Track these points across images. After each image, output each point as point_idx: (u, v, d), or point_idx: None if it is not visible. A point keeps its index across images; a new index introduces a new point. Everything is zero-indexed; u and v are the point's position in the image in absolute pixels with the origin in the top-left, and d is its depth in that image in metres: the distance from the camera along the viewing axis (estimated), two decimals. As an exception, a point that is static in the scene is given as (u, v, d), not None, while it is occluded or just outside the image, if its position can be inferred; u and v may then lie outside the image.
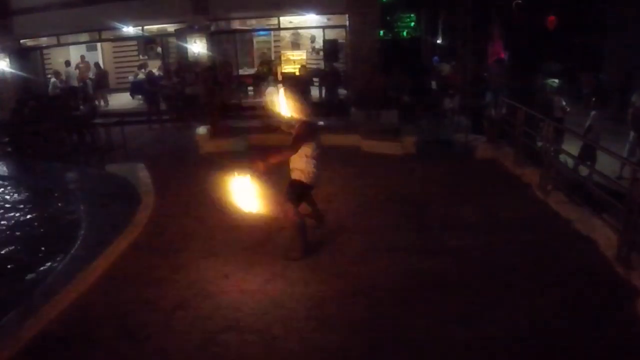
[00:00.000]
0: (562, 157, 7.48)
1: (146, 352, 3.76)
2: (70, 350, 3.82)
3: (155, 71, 17.24)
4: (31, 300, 4.39)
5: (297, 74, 15.07)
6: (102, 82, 17.36)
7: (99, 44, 18.88)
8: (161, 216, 6.35)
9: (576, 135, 8.13)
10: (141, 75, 17.11)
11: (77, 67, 17.73)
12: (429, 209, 6.32)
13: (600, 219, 5.35)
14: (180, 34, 16.00)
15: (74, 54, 19.12)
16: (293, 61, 17.96)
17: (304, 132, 4.99)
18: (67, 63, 17.16)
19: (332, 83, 14.66)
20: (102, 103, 16.93)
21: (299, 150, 4.99)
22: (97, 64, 18.28)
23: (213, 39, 16.19)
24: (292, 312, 4.15)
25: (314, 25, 16.88)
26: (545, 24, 11.39)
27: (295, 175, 5.10)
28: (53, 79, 16.53)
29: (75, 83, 16.14)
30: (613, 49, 17.41)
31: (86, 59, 18.25)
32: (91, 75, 17.68)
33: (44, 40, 17.65)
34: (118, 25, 16.07)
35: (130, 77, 17.44)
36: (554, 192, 6.40)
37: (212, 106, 11.11)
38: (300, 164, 5.04)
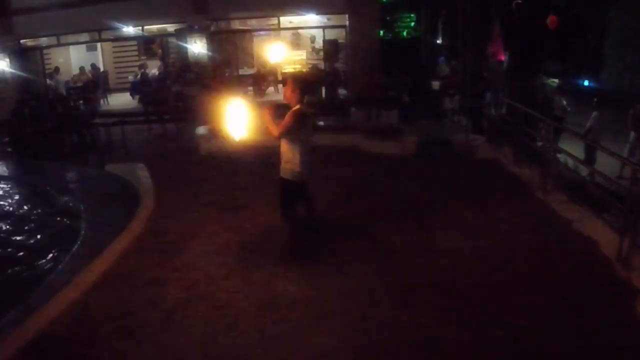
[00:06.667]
0: (562, 157, 7.49)
1: (146, 351, 3.76)
2: (70, 350, 3.82)
3: (155, 71, 17.25)
4: (31, 300, 4.38)
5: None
6: (98, 83, 17.34)
7: (99, 44, 18.87)
8: (161, 216, 6.34)
9: (576, 135, 8.13)
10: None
11: (89, 72, 17.80)
12: (428, 209, 6.31)
13: (600, 219, 5.35)
14: (180, 34, 16.00)
15: (74, 54, 19.13)
16: (293, 61, 17.97)
17: (292, 121, 4.73)
18: (57, 70, 17.22)
19: (332, 83, 14.66)
20: (102, 102, 16.97)
21: (288, 142, 4.81)
22: (93, 65, 18.25)
23: (213, 39, 16.19)
24: (292, 312, 4.15)
25: (314, 25, 16.88)
26: (546, 24, 11.38)
27: (285, 173, 4.94)
28: (48, 81, 16.59)
29: (63, 90, 16.18)
30: (613, 49, 17.40)
31: (97, 65, 18.33)
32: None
33: (44, 40, 17.65)
34: (118, 25, 16.07)
35: (130, 77, 17.45)
36: (554, 192, 6.40)
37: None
38: (288, 158, 4.87)
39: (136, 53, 19.47)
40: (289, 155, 4.87)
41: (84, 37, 17.97)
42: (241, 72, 17.55)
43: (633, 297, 4.16)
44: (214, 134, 10.11)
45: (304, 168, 4.90)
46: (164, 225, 6.06)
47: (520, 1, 10.72)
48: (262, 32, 18.09)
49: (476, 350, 3.63)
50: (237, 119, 4.64)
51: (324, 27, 16.69)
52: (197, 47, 15.70)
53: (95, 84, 17.23)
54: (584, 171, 7.66)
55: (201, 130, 10.48)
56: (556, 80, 12.72)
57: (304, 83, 5.02)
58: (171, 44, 18.36)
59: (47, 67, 17.71)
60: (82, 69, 17.75)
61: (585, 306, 4.12)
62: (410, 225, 5.82)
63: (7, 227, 6.95)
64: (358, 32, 14.74)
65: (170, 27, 16.85)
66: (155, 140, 12.21)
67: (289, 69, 17.26)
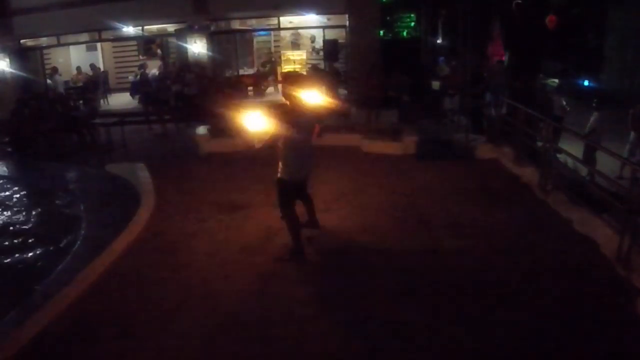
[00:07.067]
0: (562, 157, 7.48)
1: (146, 352, 3.76)
2: (70, 350, 3.82)
3: (155, 71, 17.25)
4: (31, 300, 4.38)
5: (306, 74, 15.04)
6: (97, 84, 17.33)
7: (99, 44, 18.88)
8: (161, 216, 6.35)
9: (577, 136, 8.11)
10: (142, 75, 17.11)
11: (86, 72, 17.83)
12: (428, 209, 6.31)
13: (600, 219, 5.35)
14: (180, 34, 16.02)
15: (74, 54, 19.13)
16: (293, 61, 17.98)
17: (280, 118, 4.69)
18: (54, 70, 17.30)
19: (332, 83, 14.64)
20: (102, 102, 16.97)
21: (283, 142, 4.78)
22: (93, 65, 18.22)
23: (213, 39, 16.19)
24: (292, 312, 4.15)
25: (314, 25, 16.90)
26: (546, 24, 11.38)
27: (280, 172, 4.93)
28: (49, 81, 16.69)
29: (62, 90, 16.24)
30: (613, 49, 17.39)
31: (97, 66, 18.34)
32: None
33: (44, 40, 17.67)
34: (118, 25, 16.08)
35: (130, 77, 17.46)
36: (554, 192, 6.40)
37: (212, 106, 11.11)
38: (282, 157, 4.86)
39: (136, 53, 19.47)
40: (285, 154, 4.87)
41: (84, 37, 17.98)
42: (241, 72, 17.55)
43: (633, 297, 4.16)
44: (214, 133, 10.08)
45: (299, 168, 4.89)
46: (164, 225, 6.07)
47: (520, 1, 10.71)
48: (262, 32, 18.12)
49: (476, 350, 3.63)
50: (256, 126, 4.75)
51: (324, 27, 16.71)
52: (197, 47, 15.71)
53: (95, 84, 17.23)
54: (584, 171, 7.65)
55: (201, 130, 10.47)
56: (556, 80, 12.72)
57: (297, 80, 5.01)
58: (171, 44, 18.38)
59: (47, 67, 17.75)
60: (78, 68, 17.77)
61: (585, 306, 4.12)
62: (411, 225, 5.82)
63: (7, 227, 6.95)
64: (358, 32, 14.75)
65: (170, 27, 16.87)
66: (155, 140, 12.20)
67: (289, 69, 17.27)
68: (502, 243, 5.31)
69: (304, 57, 18.05)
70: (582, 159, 7.71)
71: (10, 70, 16.45)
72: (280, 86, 14.84)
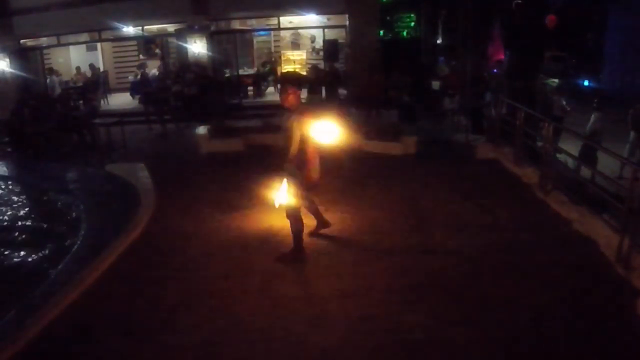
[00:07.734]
0: (562, 157, 7.49)
1: (146, 352, 3.76)
2: (70, 350, 3.82)
3: (155, 71, 17.24)
4: (31, 300, 4.38)
5: (307, 75, 15.05)
6: (97, 84, 17.32)
7: (98, 44, 18.88)
8: (161, 216, 6.34)
9: (578, 136, 8.11)
10: (142, 75, 17.10)
11: (85, 72, 17.86)
12: (429, 209, 6.32)
13: (600, 219, 5.35)
14: (180, 34, 16.02)
15: (74, 54, 19.14)
16: (293, 61, 17.99)
17: (303, 129, 4.73)
18: (51, 70, 17.37)
19: (332, 83, 14.65)
20: (102, 102, 16.98)
21: (300, 142, 4.80)
22: (92, 65, 18.21)
23: (213, 39, 16.20)
24: (292, 312, 4.15)
25: (314, 25, 16.91)
26: (545, 24, 11.39)
27: (289, 173, 4.92)
28: (48, 81, 16.78)
29: (59, 90, 16.30)
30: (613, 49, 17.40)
31: (96, 66, 18.33)
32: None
33: (44, 40, 17.67)
34: (118, 25, 16.09)
35: (130, 77, 17.46)
36: (554, 192, 6.40)
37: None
38: (293, 158, 4.84)
39: (136, 53, 19.47)
40: (294, 154, 4.86)
41: (84, 37, 17.99)
42: (241, 72, 17.55)
43: (633, 297, 4.16)
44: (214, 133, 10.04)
45: (313, 168, 4.92)
46: (164, 225, 6.06)
47: (520, 1, 10.71)
48: (262, 32, 18.12)
49: (476, 350, 3.63)
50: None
51: (324, 27, 16.72)
52: (197, 47, 15.72)
53: (95, 84, 17.24)
54: (584, 171, 7.65)
55: (201, 130, 10.48)
56: (556, 80, 12.73)
57: (297, 81, 5.04)
58: (171, 44, 18.37)
59: (47, 67, 17.76)
60: (78, 69, 17.80)
61: (585, 306, 4.12)
62: (411, 225, 5.82)
63: (7, 227, 6.95)
64: (358, 32, 14.76)
65: (170, 27, 16.87)
66: (155, 140, 12.21)
67: (289, 69, 17.27)
68: (502, 243, 5.31)
69: (304, 57, 18.06)
70: (578, 157, 7.71)
71: (10, 70, 16.45)
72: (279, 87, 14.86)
